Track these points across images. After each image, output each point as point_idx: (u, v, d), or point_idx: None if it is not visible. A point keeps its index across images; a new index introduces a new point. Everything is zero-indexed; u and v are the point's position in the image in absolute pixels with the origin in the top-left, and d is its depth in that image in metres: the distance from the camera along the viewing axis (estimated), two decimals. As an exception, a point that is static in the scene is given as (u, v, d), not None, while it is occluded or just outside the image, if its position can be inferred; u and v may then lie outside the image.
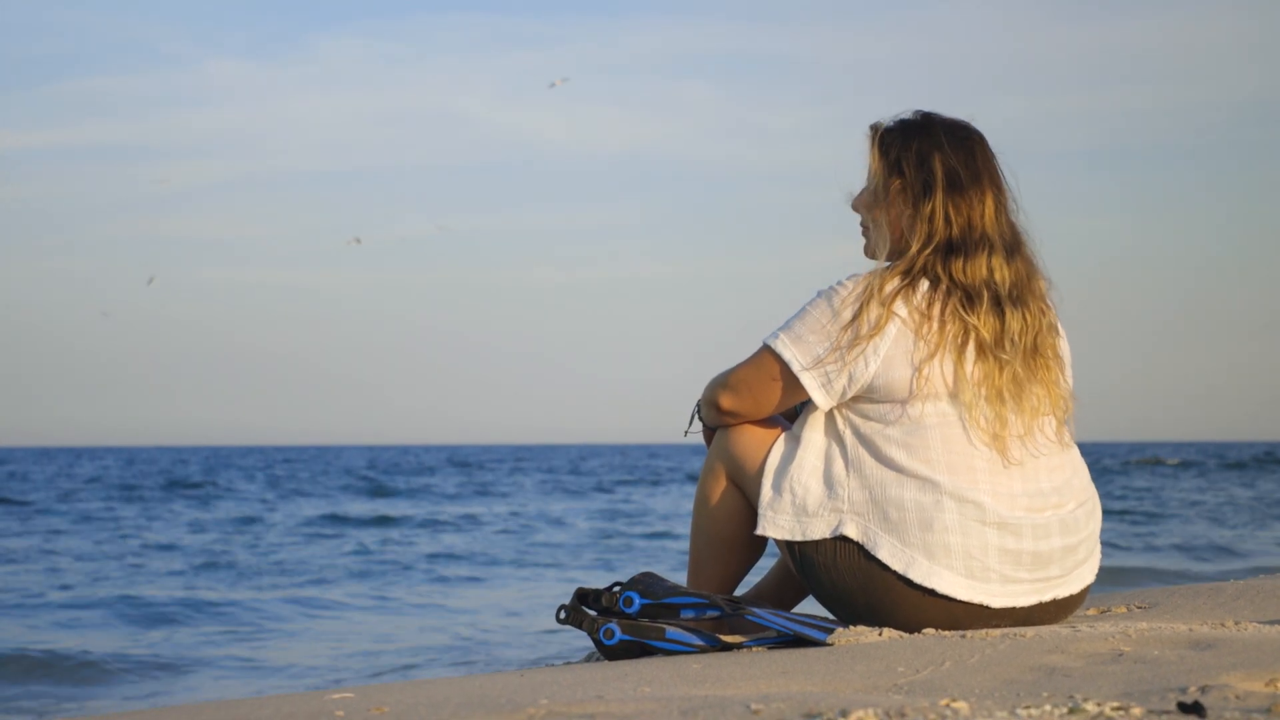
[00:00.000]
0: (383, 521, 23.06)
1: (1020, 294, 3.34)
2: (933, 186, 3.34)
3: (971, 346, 3.28)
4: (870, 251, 3.44)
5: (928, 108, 3.44)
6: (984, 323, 3.28)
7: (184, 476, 43.53)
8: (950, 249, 3.32)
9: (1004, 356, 3.29)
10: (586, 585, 3.52)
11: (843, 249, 3.52)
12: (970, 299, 3.29)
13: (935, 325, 3.28)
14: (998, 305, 3.31)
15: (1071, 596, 3.39)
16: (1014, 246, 3.37)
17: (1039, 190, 3.47)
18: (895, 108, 3.44)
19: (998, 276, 3.32)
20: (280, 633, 10.00)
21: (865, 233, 3.46)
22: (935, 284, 3.30)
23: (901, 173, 3.37)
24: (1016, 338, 3.31)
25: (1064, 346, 3.44)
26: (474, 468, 55.16)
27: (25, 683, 8.20)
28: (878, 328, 3.27)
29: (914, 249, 3.33)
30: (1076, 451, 3.43)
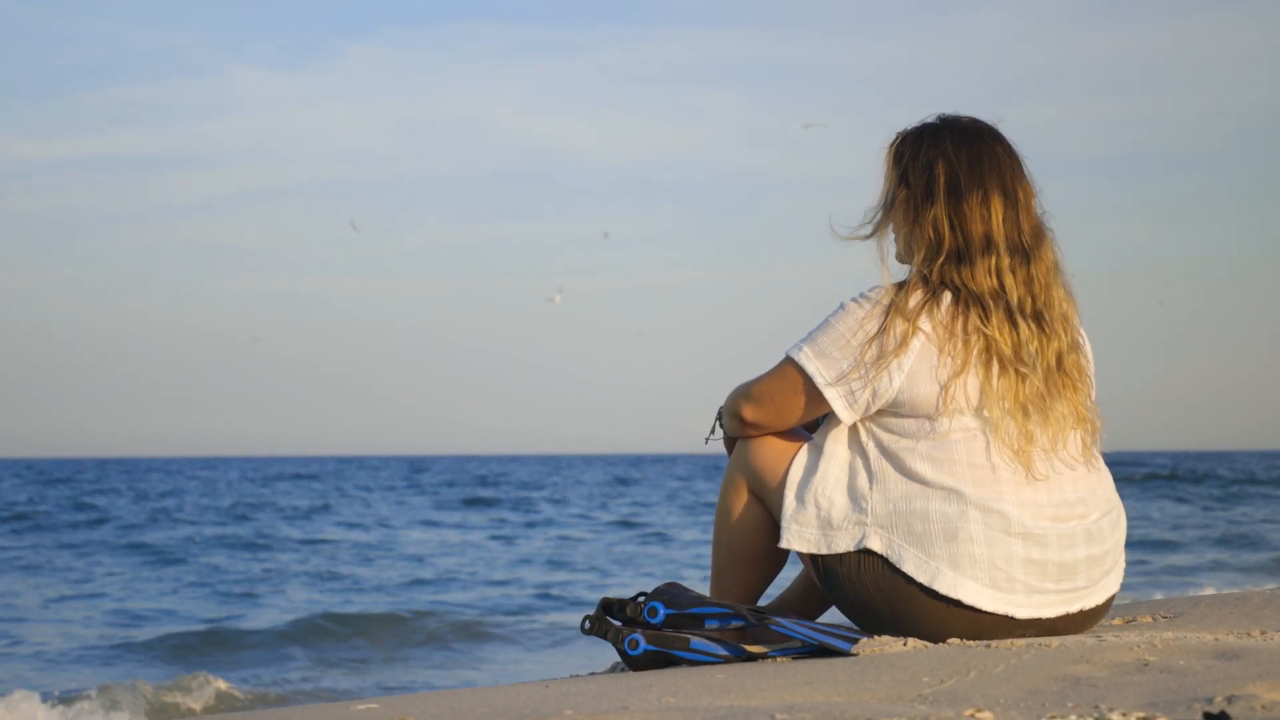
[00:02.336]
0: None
1: (1035, 307, 3.31)
2: (935, 193, 3.32)
3: (994, 360, 3.27)
4: (898, 258, 3.43)
5: (953, 113, 3.43)
6: (1000, 334, 3.27)
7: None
8: (958, 257, 3.30)
9: (1023, 369, 3.28)
10: (611, 595, 3.52)
11: (865, 258, 3.49)
12: (985, 310, 3.28)
13: (960, 341, 3.27)
14: (1010, 317, 3.29)
15: (1097, 607, 3.38)
16: (1028, 251, 3.33)
17: (1058, 197, 3.44)
18: (919, 115, 3.43)
19: (1006, 284, 3.29)
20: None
21: (895, 241, 3.45)
22: (956, 295, 3.29)
23: (908, 182, 3.36)
24: (1034, 352, 3.29)
25: (1089, 367, 3.42)
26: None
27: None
28: (902, 343, 3.26)
29: (919, 258, 3.32)
30: (1101, 462, 3.42)
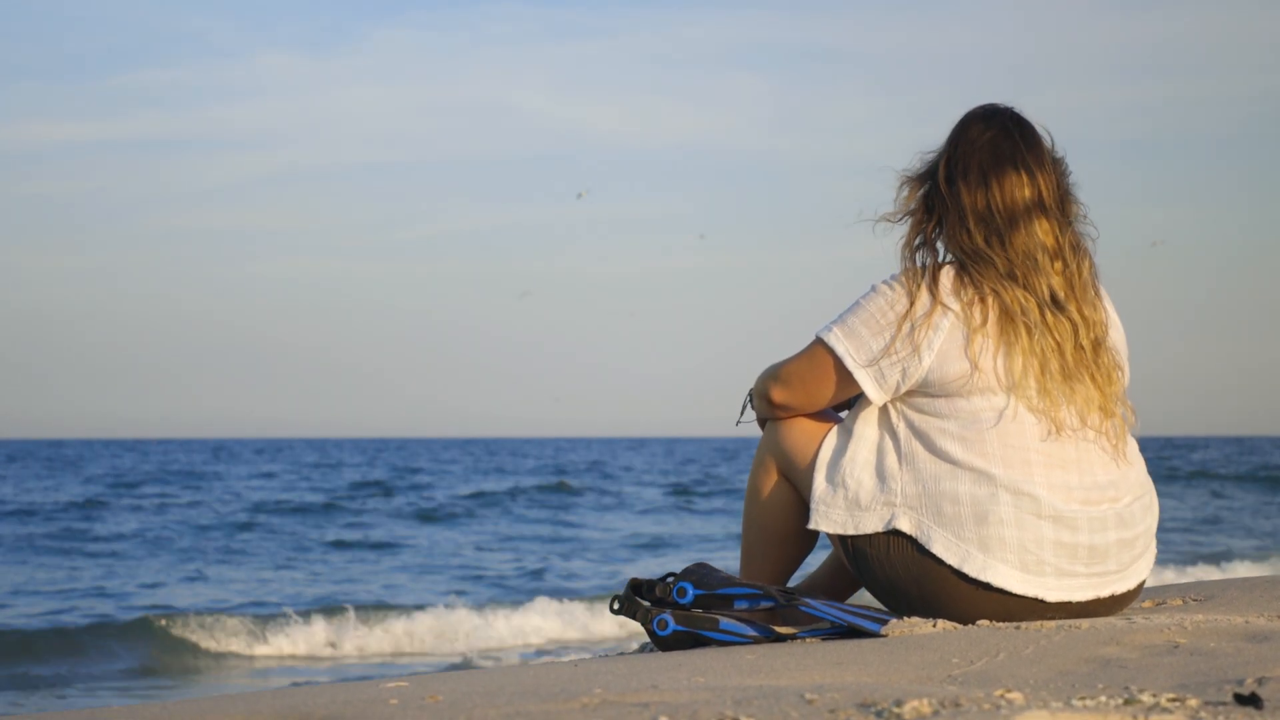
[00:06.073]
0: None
1: (1023, 282, 3.31)
2: (927, 177, 3.40)
3: (1008, 322, 3.26)
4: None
5: (982, 100, 3.45)
6: (1001, 288, 3.28)
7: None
8: (940, 224, 3.35)
9: (1029, 324, 3.27)
10: (640, 576, 3.53)
11: (887, 243, 3.50)
12: (981, 270, 3.30)
13: (985, 317, 3.27)
14: (1001, 281, 3.30)
15: (1128, 592, 3.37)
16: (1000, 232, 3.30)
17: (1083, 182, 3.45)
18: (947, 100, 3.48)
19: (983, 253, 3.30)
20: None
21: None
22: (979, 272, 3.29)
23: (922, 166, 3.44)
24: (1037, 320, 3.29)
25: (1124, 364, 3.40)
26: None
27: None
28: (932, 323, 3.27)
29: (914, 221, 3.37)
30: (1135, 453, 3.40)
